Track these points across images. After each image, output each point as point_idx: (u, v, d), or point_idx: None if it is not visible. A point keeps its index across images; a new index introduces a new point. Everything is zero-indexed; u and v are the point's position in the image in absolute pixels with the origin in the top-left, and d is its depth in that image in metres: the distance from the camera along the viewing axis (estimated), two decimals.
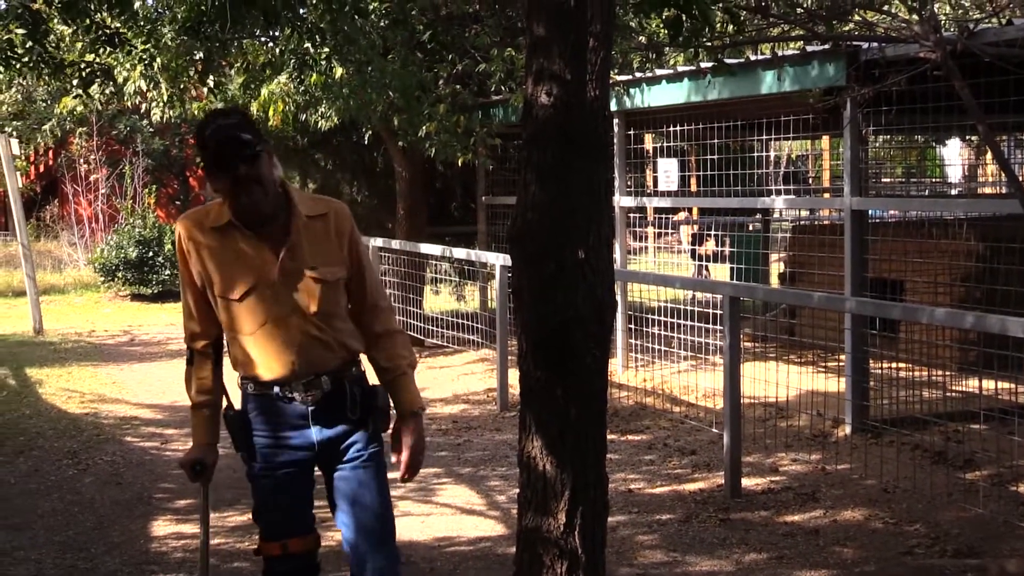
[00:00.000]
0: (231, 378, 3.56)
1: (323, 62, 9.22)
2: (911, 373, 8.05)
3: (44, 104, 22.57)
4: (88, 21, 7.63)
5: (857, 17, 7.65)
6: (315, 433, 3.38)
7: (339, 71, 9.32)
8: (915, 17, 7.07)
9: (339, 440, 3.40)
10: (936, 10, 7.62)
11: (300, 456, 3.41)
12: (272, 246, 3.32)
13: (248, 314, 3.33)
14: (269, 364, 3.34)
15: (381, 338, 3.51)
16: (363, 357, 3.54)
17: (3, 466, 7.38)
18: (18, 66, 7.93)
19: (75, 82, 8.41)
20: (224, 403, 3.52)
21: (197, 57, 9.15)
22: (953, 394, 7.99)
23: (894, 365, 8.31)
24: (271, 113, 10.37)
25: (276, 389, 3.36)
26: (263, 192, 3.26)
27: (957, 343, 8.40)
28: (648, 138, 12.42)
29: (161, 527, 6.05)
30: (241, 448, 3.46)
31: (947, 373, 8.31)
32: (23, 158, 23.23)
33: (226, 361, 3.55)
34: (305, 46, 8.96)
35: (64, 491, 6.76)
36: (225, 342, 3.51)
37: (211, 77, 9.11)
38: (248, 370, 3.40)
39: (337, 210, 3.46)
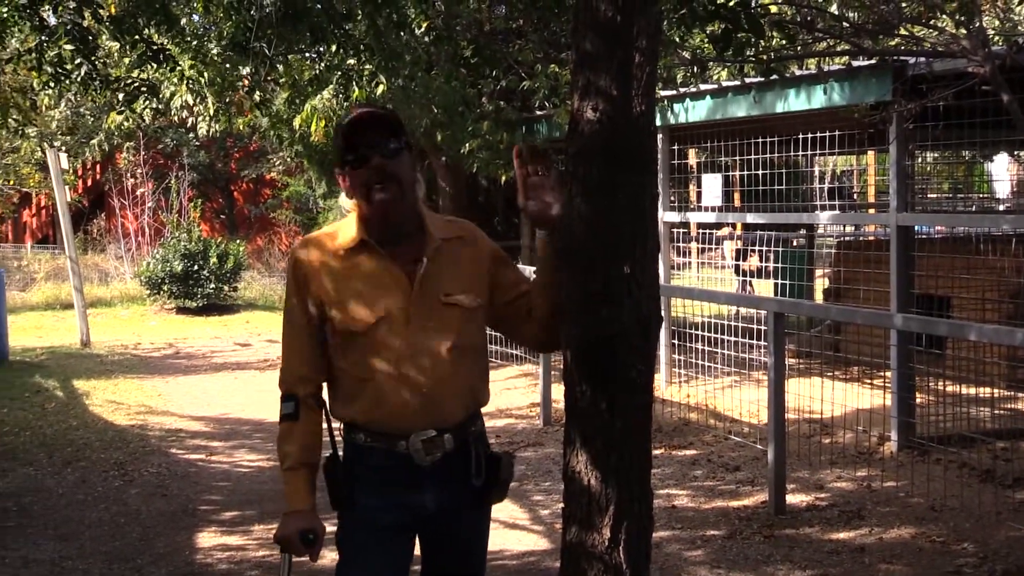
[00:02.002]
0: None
1: (367, 77, 9.28)
2: (958, 390, 7.97)
3: (92, 119, 22.92)
4: (136, 36, 7.73)
5: (904, 32, 7.61)
6: (428, 498, 2.94)
7: (382, 87, 9.37)
8: (963, 31, 7.02)
9: (453, 512, 2.98)
10: (984, 24, 7.56)
11: (407, 520, 2.96)
12: (406, 269, 2.92)
13: (371, 350, 2.89)
14: (386, 413, 2.90)
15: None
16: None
17: (51, 477, 7.47)
18: (67, 82, 8.06)
19: (121, 96, 8.53)
20: (326, 453, 3.00)
21: (244, 72, 9.25)
22: (1001, 412, 7.90)
23: (941, 382, 8.23)
24: (313, 128, 10.47)
25: (391, 442, 2.92)
26: (400, 192, 2.88)
27: (1006, 360, 8.30)
28: (692, 153, 12.40)
29: (206, 539, 6.09)
30: (340, 506, 2.99)
31: (995, 391, 8.22)
32: (71, 172, 23.57)
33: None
34: (350, 62, 9.03)
35: (111, 502, 6.83)
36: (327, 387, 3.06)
37: (257, 93, 9.21)
38: (360, 418, 2.95)
39: (470, 230, 3.10)
